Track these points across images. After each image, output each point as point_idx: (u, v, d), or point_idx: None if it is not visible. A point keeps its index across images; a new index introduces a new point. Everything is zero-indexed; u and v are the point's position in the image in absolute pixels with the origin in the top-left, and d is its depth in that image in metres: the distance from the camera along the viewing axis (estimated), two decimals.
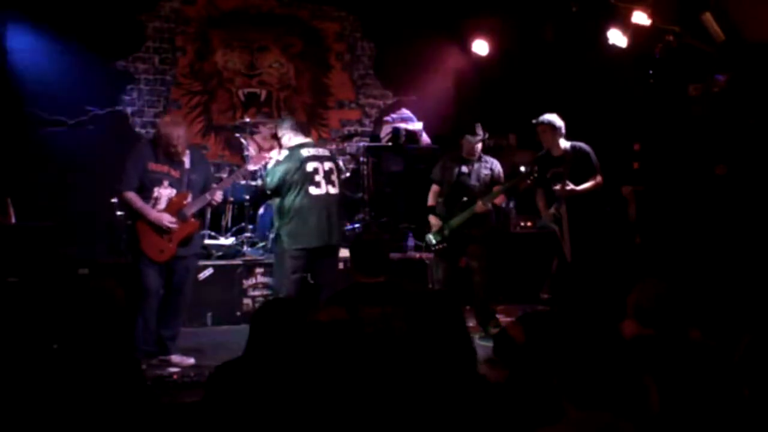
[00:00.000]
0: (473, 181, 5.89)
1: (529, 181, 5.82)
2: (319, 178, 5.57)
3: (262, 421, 2.64)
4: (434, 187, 6.10)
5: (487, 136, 5.98)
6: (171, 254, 4.92)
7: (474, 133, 5.89)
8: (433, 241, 5.97)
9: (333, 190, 5.65)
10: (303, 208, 5.49)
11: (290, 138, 5.70)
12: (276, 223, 5.71)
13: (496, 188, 5.85)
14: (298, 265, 5.55)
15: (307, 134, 5.95)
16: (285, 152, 5.55)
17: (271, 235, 6.16)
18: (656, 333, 2.92)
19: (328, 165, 5.66)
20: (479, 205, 5.77)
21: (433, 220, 6.01)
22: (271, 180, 5.56)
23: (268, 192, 5.71)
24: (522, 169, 5.79)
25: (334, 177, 5.67)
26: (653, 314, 2.97)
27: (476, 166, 5.93)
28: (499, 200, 5.98)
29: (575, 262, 5.75)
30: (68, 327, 2.83)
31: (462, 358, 2.73)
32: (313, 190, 5.54)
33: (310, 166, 5.53)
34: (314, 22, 8.37)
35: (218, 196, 5.14)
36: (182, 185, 4.97)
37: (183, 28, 7.90)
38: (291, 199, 5.51)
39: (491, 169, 5.96)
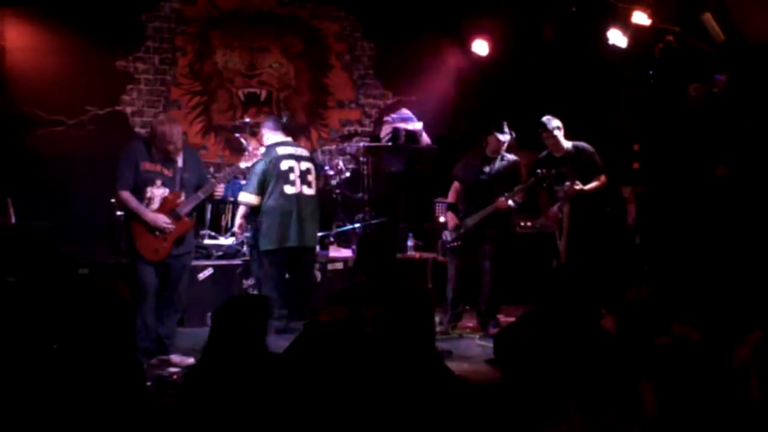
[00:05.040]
0: (491, 180, 5.89)
1: (545, 185, 5.80)
2: (293, 177, 5.64)
3: (238, 422, 2.65)
4: (455, 185, 6.11)
5: (514, 135, 5.98)
6: (166, 253, 4.93)
7: (502, 131, 5.88)
8: (449, 238, 5.97)
9: (308, 191, 5.70)
10: (276, 207, 5.59)
11: (269, 137, 5.76)
12: (251, 222, 5.79)
13: (517, 188, 5.84)
14: (276, 264, 5.59)
15: (290, 135, 6.02)
16: (261, 150, 5.60)
17: (247, 234, 6.16)
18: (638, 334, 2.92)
19: (305, 165, 5.72)
20: (501, 201, 5.74)
21: (450, 217, 6.02)
22: (251, 185, 5.64)
23: (253, 199, 5.67)
24: (538, 171, 5.77)
25: (310, 177, 5.73)
26: (632, 316, 2.98)
27: (497, 165, 5.92)
28: (519, 198, 5.94)
29: (570, 261, 5.75)
30: (74, 327, 2.81)
31: (426, 353, 2.76)
32: (287, 189, 5.62)
33: (284, 165, 5.60)
34: (314, 22, 8.37)
35: (220, 189, 5.15)
36: (175, 184, 4.97)
37: (183, 28, 7.90)
38: (265, 198, 5.58)
39: (509, 167, 5.94)
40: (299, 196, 5.66)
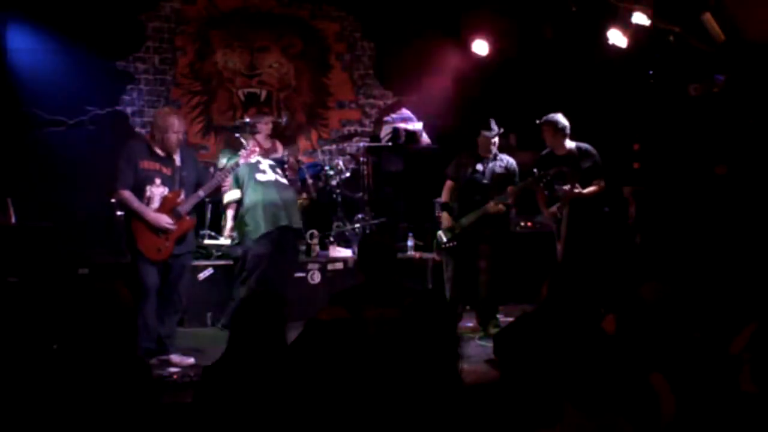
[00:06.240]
0: (486, 180, 5.87)
1: (542, 184, 5.78)
2: (263, 166, 5.89)
3: (255, 420, 2.65)
4: (448, 183, 6.09)
5: (502, 130, 5.97)
6: (168, 253, 4.92)
7: (489, 128, 5.87)
8: (444, 239, 5.96)
9: (282, 180, 5.97)
10: (255, 196, 5.75)
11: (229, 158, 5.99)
12: (232, 223, 6.10)
13: (509, 188, 5.83)
14: (264, 249, 5.68)
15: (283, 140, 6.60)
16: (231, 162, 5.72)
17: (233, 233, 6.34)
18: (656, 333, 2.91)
19: (269, 161, 6.02)
20: (491, 205, 5.75)
21: (445, 217, 6.00)
22: (235, 185, 5.90)
23: (237, 193, 5.93)
24: (535, 171, 5.75)
25: (279, 170, 6.03)
26: (652, 315, 2.97)
27: (490, 164, 5.90)
28: (510, 201, 5.94)
29: (566, 261, 5.75)
30: (75, 328, 2.81)
31: (447, 359, 2.75)
32: (260, 177, 5.86)
33: (252, 158, 5.72)
34: (314, 22, 8.37)
35: (228, 181, 5.20)
36: (174, 183, 4.97)
37: (183, 28, 7.91)
38: (244, 192, 5.79)
39: (505, 168, 5.93)
40: (275, 183, 5.88)
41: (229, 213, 6.25)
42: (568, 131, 5.84)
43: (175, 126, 4.90)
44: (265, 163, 5.94)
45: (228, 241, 6.69)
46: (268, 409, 2.65)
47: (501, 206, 5.79)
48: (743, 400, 2.43)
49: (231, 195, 6.03)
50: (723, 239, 5.85)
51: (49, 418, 2.61)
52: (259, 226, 5.69)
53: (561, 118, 5.83)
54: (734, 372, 2.54)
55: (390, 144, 7.92)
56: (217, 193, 5.28)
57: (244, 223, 5.79)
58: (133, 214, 4.87)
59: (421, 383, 2.63)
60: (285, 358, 2.83)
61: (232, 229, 6.25)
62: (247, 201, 5.82)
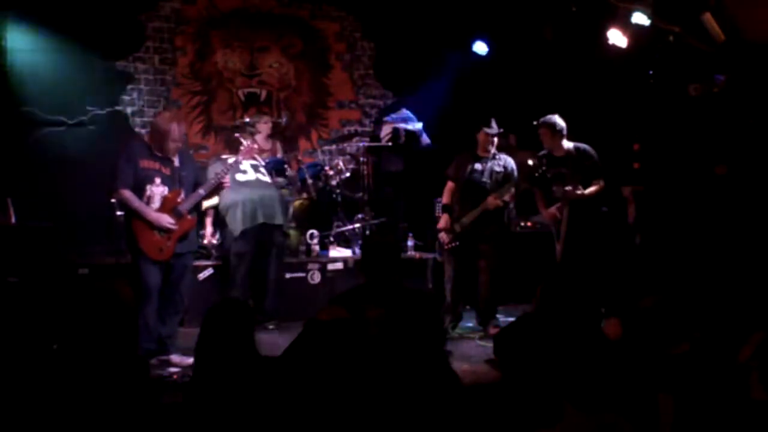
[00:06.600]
0: (485, 179, 5.87)
1: (537, 174, 5.77)
2: (243, 167, 5.96)
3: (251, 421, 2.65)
4: (449, 185, 6.09)
5: (502, 131, 5.98)
6: (171, 252, 4.92)
7: (489, 125, 5.87)
8: (445, 239, 5.96)
9: (264, 178, 6.04)
10: (234, 196, 5.82)
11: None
12: (212, 229, 6.22)
13: (507, 184, 5.82)
14: (245, 249, 5.67)
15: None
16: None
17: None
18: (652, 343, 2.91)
19: (252, 162, 6.05)
20: (490, 200, 5.75)
21: (445, 217, 6.00)
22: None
23: (215, 198, 5.90)
24: (530, 162, 5.76)
25: (262, 169, 6.08)
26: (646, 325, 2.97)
27: (489, 163, 5.90)
28: (510, 197, 5.94)
29: (565, 262, 5.75)
30: (76, 328, 2.81)
31: (436, 358, 2.75)
32: (239, 177, 5.89)
33: (230, 160, 5.81)
34: (314, 22, 8.38)
35: (227, 179, 5.22)
36: (174, 182, 4.97)
37: (183, 28, 7.91)
38: (223, 195, 5.75)
39: (504, 167, 5.92)
40: (256, 182, 5.95)
41: (208, 220, 6.39)
42: (565, 132, 5.84)
43: (175, 134, 4.89)
44: (247, 164, 5.99)
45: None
46: (246, 418, 2.64)
47: (500, 201, 5.78)
48: (753, 407, 2.43)
49: (209, 201, 5.98)
50: (723, 239, 5.84)
51: (49, 418, 2.61)
52: (237, 224, 5.76)
53: (558, 120, 5.83)
54: (743, 379, 2.54)
55: (390, 144, 7.92)
56: (218, 191, 5.28)
57: (225, 224, 5.84)
58: (133, 214, 4.86)
59: (417, 381, 2.63)
60: (255, 365, 2.81)
61: (213, 234, 6.35)
62: (227, 201, 5.85)
